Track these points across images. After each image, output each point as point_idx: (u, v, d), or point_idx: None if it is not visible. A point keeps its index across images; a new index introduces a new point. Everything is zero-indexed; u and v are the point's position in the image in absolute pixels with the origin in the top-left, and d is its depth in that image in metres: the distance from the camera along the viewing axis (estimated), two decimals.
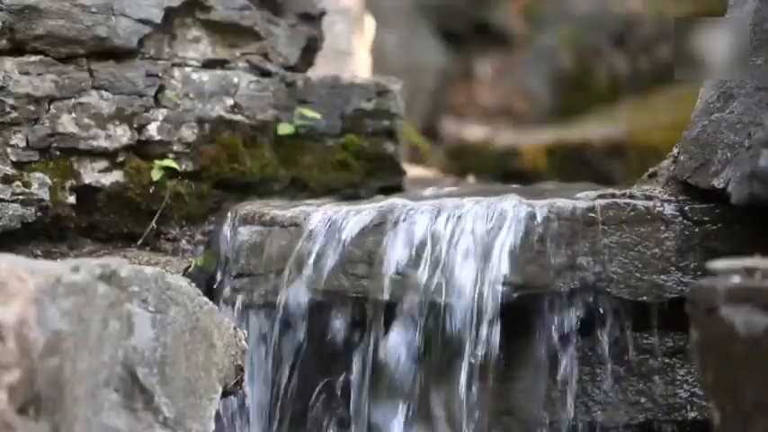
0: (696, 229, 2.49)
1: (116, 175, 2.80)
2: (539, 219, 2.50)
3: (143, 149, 2.82)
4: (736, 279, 1.84)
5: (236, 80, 2.92)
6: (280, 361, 2.58)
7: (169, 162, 2.83)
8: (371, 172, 3.05)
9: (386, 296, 2.50)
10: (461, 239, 2.50)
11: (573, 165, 5.33)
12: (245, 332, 2.42)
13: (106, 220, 2.81)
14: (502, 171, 5.26)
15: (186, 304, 2.17)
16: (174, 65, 2.87)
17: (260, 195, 2.93)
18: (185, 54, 2.89)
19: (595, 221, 2.49)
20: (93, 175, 2.78)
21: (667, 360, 2.49)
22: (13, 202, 2.64)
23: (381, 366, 2.51)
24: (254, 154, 2.93)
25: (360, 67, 4.20)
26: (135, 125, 2.80)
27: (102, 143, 2.76)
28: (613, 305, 2.48)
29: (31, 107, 2.69)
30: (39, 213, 2.68)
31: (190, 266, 2.71)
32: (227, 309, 2.62)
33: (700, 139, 2.53)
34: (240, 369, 2.29)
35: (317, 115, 3.00)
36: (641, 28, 6.66)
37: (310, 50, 3.09)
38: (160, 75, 2.83)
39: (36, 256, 2.69)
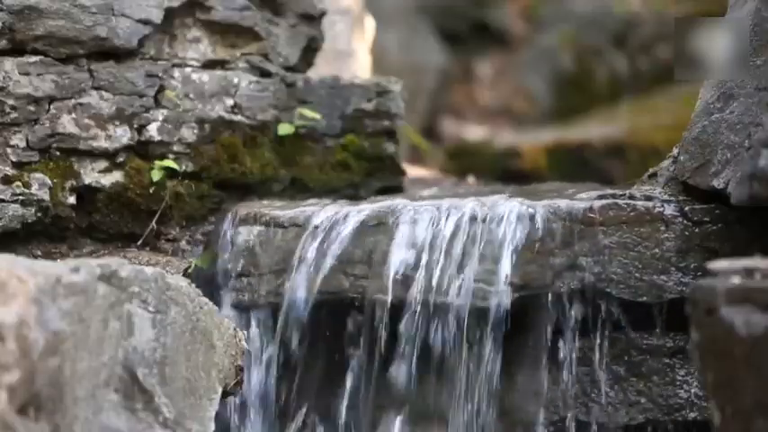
0: (696, 230, 2.49)
1: (116, 176, 2.80)
2: (539, 219, 2.50)
3: (143, 150, 2.82)
4: (735, 279, 1.84)
5: (236, 80, 2.92)
6: (280, 361, 2.58)
7: (169, 162, 2.83)
8: (371, 172, 3.05)
9: (386, 296, 2.50)
10: (461, 240, 2.50)
11: (573, 165, 5.32)
12: (245, 333, 2.42)
13: (106, 220, 2.81)
14: (502, 171, 5.25)
15: (186, 305, 2.17)
16: (174, 65, 2.87)
17: (260, 196, 2.93)
18: (185, 54, 2.89)
19: (595, 222, 2.49)
20: (94, 175, 2.78)
21: (667, 360, 2.49)
22: (13, 202, 2.64)
23: (381, 366, 2.51)
24: (255, 154, 2.93)
25: (360, 67, 4.20)
26: (135, 125, 2.80)
27: (103, 143, 2.77)
28: (613, 305, 2.48)
29: (31, 107, 2.69)
30: (39, 214, 2.68)
31: (190, 267, 2.71)
32: (227, 309, 2.62)
33: (700, 140, 2.53)
34: (240, 369, 2.29)
35: (317, 115, 3.00)
36: (641, 28, 6.66)
37: (310, 50, 3.09)
38: (160, 75, 2.83)
39: (36, 257, 2.70)
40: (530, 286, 2.48)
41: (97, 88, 2.76)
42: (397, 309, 2.50)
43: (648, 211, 2.50)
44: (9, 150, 2.68)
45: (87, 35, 2.73)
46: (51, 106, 2.71)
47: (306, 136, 3.01)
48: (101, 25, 2.74)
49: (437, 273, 2.48)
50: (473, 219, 2.52)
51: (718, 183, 2.45)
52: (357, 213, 2.59)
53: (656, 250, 2.48)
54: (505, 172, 5.21)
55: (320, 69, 3.21)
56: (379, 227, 2.56)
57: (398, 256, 2.51)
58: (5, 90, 2.66)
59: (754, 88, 2.46)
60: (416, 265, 2.50)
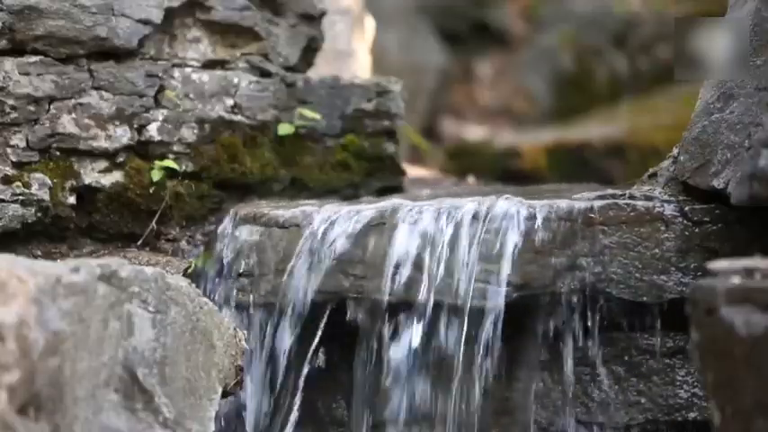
0: (696, 230, 2.49)
1: (116, 176, 2.80)
2: (539, 219, 2.50)
3: (143, 150, 2.82)
4: (735, 279, 1.84)
5: (236, 80, 2.92)
6: (279, 361, 2.58)
7: (169, 162, 2.83)
8: (371, 172, 3.05)
9: (386, 297, 2.50)
10: (461, 240, 2.50)
11: (573, 165, 5.32)
12: (245, 332, 2.42)
13: (106, 220, 2.81)
14: (502, 171, 5.26)
15: (186, 305, 2.17)
16: (174, 65, 2.87)
17: (260, 196, 2.93)
18: (185, 54, 2.89)
19: (595, 222, 2.49)
20: (93, 175, 2.78)
21: (667, 360, 2.49)
22: (13, 202, 2.64)
23: (381, 366, 2.51)
24: (255, 154, 2.93)
25: (360, 67, 4.20)
26: (135, 125, 2.80)
27: (103, 143, 2.77)
28: (613, 306, 2.48)
29: (31, 107, 2.69)
30: (39, 214, 2.68)
31: (190, 267, 2.71)
32: (227, 309, 2.62)
33: (700, 140, 2.53)
34: (240, 369, 2.29)
35: (317, 115, 3.00)
36: (641, 28, 6.66)
37: (310, 50, 3.09)
38: (160, 75, 2.83)
39: (36, 257, 2.70)
40: (530, 286, 2.48)
41: (97, 88, 2.76)
42: (397, 308, 2.50)
43: (648, 211, 2.50)
44: (9, 150, 2.68)
45: (87, 35, 2.73)
46: (51, 106, 2.71)
47: (306, 136, 3.01)
48: (101, 25, 2.74)
49: (436, 272, 2.48)
50: (473, 218, 2.52)
51: (718, 183, 2.45)
52: (357, 213, 2.59)
53: (656, 250, 2.48)
54: (505, 172, 5.22)
55: (320, 69, 3.21)
56: (379, 227, 2.56)
57: (398, 256, 2.51)
58: (5, 90, 2.66)
59: (754, 88, 2.46)
60: (416, 265, 2.50)
